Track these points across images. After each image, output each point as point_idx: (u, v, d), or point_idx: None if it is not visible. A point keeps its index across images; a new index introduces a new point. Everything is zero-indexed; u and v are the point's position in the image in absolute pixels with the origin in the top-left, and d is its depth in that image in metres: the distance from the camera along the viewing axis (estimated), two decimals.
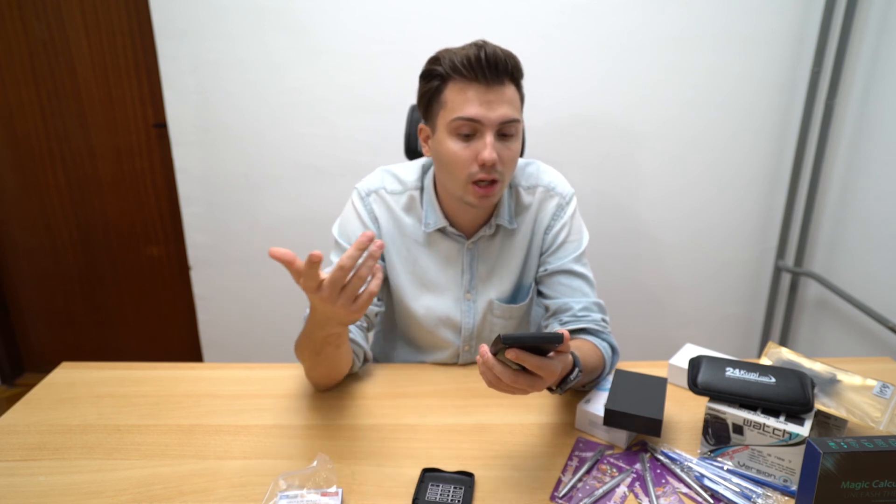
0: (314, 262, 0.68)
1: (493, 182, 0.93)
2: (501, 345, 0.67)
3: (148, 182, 2.13)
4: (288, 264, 0.70)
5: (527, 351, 0.69)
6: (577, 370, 0.82)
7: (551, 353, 0.72)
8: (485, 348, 0.72)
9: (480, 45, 0.88)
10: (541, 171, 1.08)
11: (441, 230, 1.04)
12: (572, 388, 0.95)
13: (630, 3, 1.65)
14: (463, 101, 0.89)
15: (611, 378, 0.94)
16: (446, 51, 0.92)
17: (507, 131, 0.92)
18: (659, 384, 0.88)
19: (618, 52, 1.70)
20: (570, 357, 0.81)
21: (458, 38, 0.98)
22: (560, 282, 1.04)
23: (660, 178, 1.84)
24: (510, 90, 0.91)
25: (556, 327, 1.03)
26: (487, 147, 0.89)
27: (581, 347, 0.93)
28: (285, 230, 1.89)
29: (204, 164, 1.83)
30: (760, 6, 1.66)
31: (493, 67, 0.88)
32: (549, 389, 0.84)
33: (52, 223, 2.17)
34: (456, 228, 1.04)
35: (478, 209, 1.00)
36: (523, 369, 0.71)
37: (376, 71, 1.72)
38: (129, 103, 2.03)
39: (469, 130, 0.91)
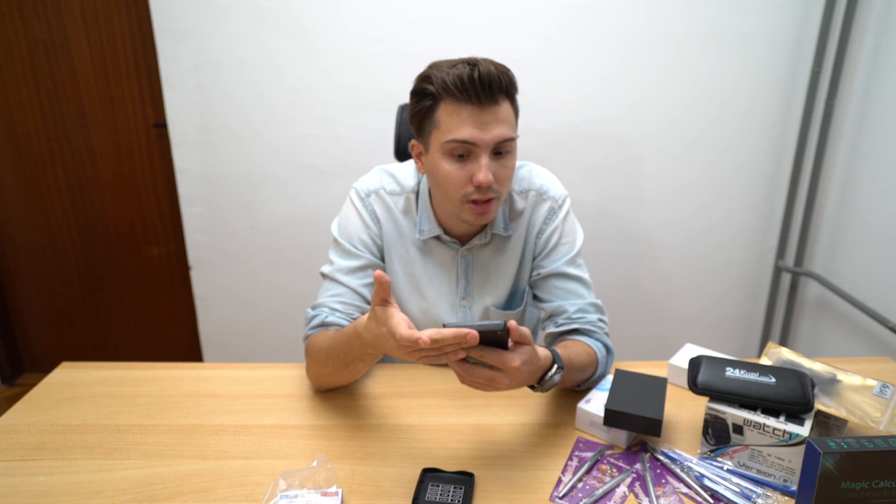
0: (383, 283, 0.71)
1: (489, 200, 0.92)
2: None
3: (148, 182, 2.13)
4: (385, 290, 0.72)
5: (485, 345, 0.71)
6: (556, 366, 0.82)
7: (511, 346, 0.74)
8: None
9: (473, 64, 0.86)
10: (533, 173, 1.07)
11: (436, 237, 1.04)
12: (563, 386, 0.95)
13: (631, 4, 1.66)
14: (457, 123, 0.87)
15: (611, 378, 0.94)
16: (437, 68, 0.89)
17: (503, 150, 0.91)
18: (659, 384, 0.88)
19: (618, 52, 1.70)
20: (548, 353, 0.82)
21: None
22: (554, 285, 1.04)
23: (660, 178, 1.84)
24: (504, 108, 0.89)
25: (550, 330, 1.03)
26: (482, 169, 0.88)
27: (569, 347, 0.93)
28: (285, 230, 1.89)
29: (204, 164, 1.83)
30: (760, 6, 1.66)
31: (486, 87, 0.85)
32: (531, 387, 0.84)
33: (52, 223, 2.17)
34: (450, 236, 1.04)
35: (473, 226, 1.00)
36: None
37: (376, 71, 1.72)
38: (129, 103, 2.03)
39: (463, 151, 0.89)
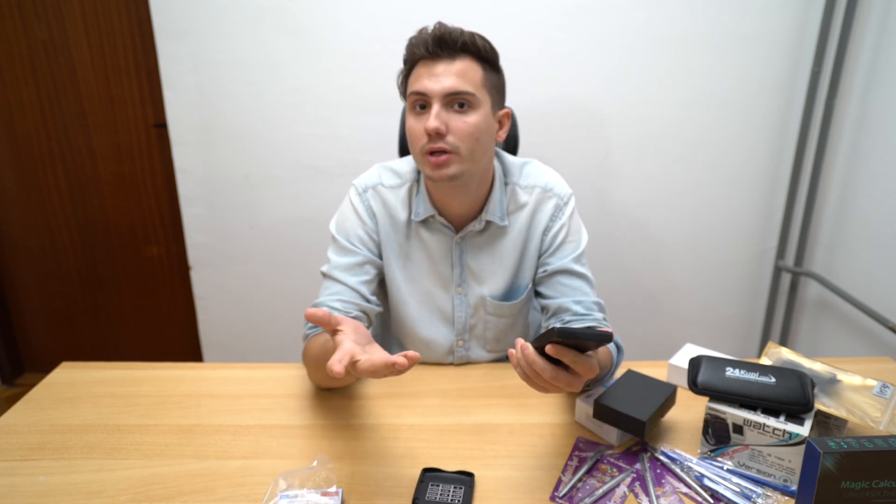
0: (322, 319, 0.71)
1: (444, 152, 0.92)
2: (557, 338, 0.65)
3: (148, 182, 2.13)
4: (325, 325, 0.72)
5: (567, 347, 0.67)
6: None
7: (590, 352, 0.71)
8: (522, 342, 0.70)
9: (431, 26, 0.93)
10: (539, 171, 1.08)
11: (431, 222, 1.05)
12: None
13: (631, 4, 1.65)
14: (415, 79, 0.94)
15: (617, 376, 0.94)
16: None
17: (461, 103, 0.92)
18: (663, 389, 0.88)
19: (618, 52, 1.70)
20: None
21: None
22: (560, 282, 1.04)
23: (660, 178, 1.84)
24: (463, 64, 0.92)
25: (557, 327, 1.03)
26: (431, 116, 0.91)
27: None
28: (285, 230, 1.89)
29: (204, 164, 1.83)
30: (760, 6, 1.66)
31: (437, 42, 0.91)
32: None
33: (52, 223, 2.17)
34: (445, 219, 1.04)
35: (437, 185, 0.99)
36: (557, 365, 0.70)
37: (376, 71, 1.71)
38: (129, 103, 2.03)
39: (422, 103, 0.93)
